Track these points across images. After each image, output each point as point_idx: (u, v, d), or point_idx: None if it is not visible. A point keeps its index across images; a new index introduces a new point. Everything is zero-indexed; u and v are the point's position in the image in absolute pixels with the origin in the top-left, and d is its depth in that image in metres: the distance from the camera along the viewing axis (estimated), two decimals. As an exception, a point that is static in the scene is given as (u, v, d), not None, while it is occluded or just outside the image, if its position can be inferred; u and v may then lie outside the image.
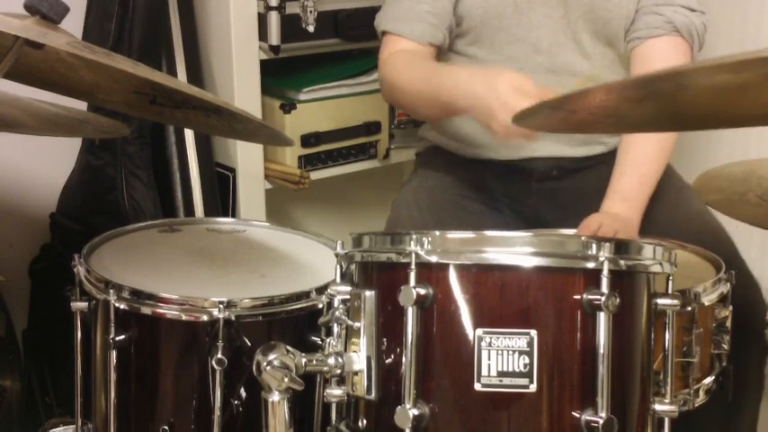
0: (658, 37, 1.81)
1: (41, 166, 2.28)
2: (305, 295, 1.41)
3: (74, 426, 1.53)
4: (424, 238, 1.12)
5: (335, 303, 1.21)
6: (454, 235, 1.13)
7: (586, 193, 1.82)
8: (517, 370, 1.09)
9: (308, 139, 2.27)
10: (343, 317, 1.19)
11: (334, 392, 1.19)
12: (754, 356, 1.65)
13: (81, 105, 1.82)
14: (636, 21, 1.83)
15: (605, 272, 1.09)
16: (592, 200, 1.76)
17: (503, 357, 1.09)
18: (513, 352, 1.09)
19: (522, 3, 1.81)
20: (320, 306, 1.40)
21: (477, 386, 1.09)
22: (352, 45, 2.34)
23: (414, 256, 1.11)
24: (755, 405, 1.69)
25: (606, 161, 1.85)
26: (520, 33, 1.82)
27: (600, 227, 1.64)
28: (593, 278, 1.10)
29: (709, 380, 1.42)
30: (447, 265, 1.11)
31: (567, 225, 1.75)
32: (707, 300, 1.39)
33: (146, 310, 1.37)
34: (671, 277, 1.19)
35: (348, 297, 1.20)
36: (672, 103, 1.12)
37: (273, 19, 2.14)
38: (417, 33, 1.83)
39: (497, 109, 1.49)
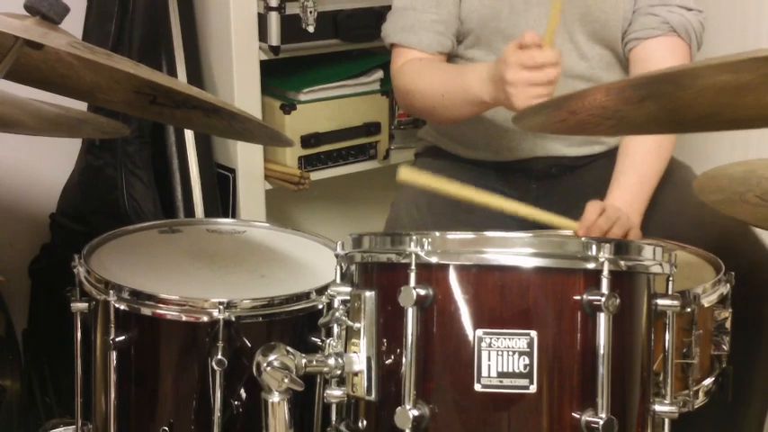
0: (655, 38, 1.80)
1: (41, 166, 2.27)
2: (305, 296, 1.41)
3: (74, 426, 1.53)
4: (423, 239, 1.12)
5: (335, 304, 1.21)
6: (454, 236, 1.13)
7: (586, 192, 1.81)
8: (517, 371, 1.09)
9: (308, 140, 2.27)
10: (344, 317, 1.19)
11: (335, 393, 1.19)
12: (760, 356, 1.65)
13: (81, 105, 1.82)
14: (633, 22, 1.82)
15: (605, 272, 1.09)
16: (591, 198, 1.74)
17: (503, 358, 1.09)
18: (514, 353, 1.09)
19: (519, 4, 1.80)
20: (320, 307, 1.40)
21: (477, 387, 1.09)
22: (352, 45, 2.34)
23: (414, 256, 1.11)
24: (762, 406, 1.68)
25: (605, 160, 1.85)
26: (517, 35, 1.81)
27: (603, 211, 1.62)
28: (593, 279, 1.10)
29: (708, 381, 1.42)
30: (447, 266, 1.11)
31: (566, 224, 1.75)
32: (707, 301, 1.38)
33: (146, 311, 1.37)
34: (671, 278, 1.19)
35: (348, 298, 1.20)
36: (672, 104, 1.12)
37: (273, 19, 2.14)
38: (426, 43, 1.84)
39: (508, 73, 1.54)
